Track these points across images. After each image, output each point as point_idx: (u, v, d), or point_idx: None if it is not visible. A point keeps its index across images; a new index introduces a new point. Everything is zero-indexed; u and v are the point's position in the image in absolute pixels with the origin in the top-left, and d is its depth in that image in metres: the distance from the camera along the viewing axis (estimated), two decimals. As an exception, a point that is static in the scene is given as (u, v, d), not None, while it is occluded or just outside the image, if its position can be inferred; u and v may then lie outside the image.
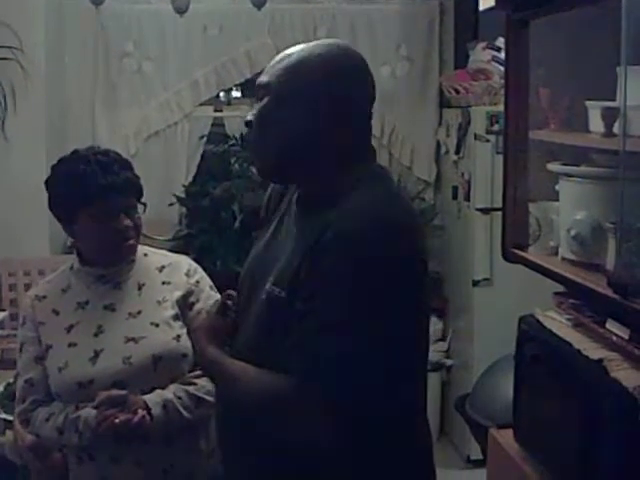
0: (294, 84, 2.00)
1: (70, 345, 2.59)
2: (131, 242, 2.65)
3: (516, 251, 3.21)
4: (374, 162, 2.10)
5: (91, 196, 2.54)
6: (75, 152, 2.66)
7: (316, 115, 1.96)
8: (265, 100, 2.05)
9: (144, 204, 2.68)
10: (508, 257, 3.28)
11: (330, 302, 1.82)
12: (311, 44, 2.12)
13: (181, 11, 5.18)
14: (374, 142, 6.22)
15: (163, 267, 2.77)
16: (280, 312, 1.93)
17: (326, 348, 1.80)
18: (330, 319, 1.81)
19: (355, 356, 1.79)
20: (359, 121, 2.05)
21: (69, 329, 2.62)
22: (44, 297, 2.71)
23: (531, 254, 3.16)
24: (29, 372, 2.65)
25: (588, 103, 2.86)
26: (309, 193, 2.07)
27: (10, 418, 3.39)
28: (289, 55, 2.09)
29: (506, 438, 3.06)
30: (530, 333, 2.93)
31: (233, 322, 2.16)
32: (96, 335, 2.57)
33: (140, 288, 2.69)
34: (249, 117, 2.10)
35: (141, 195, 2.68)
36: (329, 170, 2.00)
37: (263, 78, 2.07)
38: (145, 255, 2.78)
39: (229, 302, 2.20)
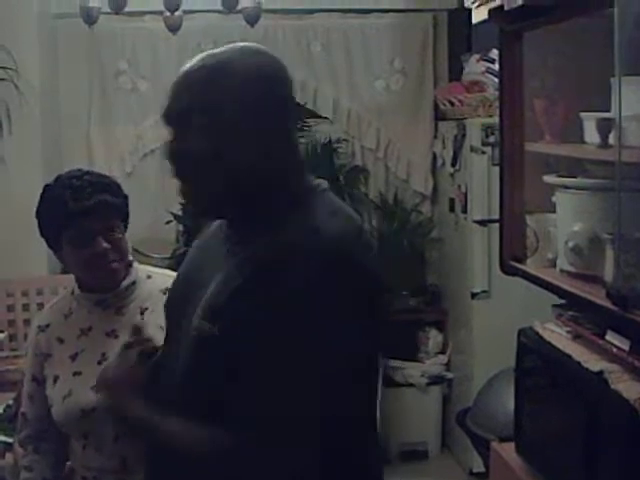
0: (211, 109, 1.76)
1: (75, 374, 2.56)
2: (114, 265, 2.55)
3: (514, 263, 3.22)
4: (306, 175, 1.88)
5: (63, 222, 2.49)
6: (57, 177, 2.60)
7: (246, 139, 1.76)
8: (178, 133, 1.80)
9: (125, 225, 2.60)
10: (506, 269, 3.28)
11: (265, 351, 1.67)
12: (214, 56, 1.81)
13: (174, 29, 5.17)
14: (370, 155, 6.24)
15: (167, 289, 2.72)
16: (212, 352, 1.75)
17: (265, 407, 1.67)
18: (266, 373, 1.67)
19: (297, 416, 1.66)
20: (287, 133, 1.83)
21: (74, 357, 2.59)
22: (47, 326, 2.67)
23: (529, 266, 3.16)
24: (25, 406, 2.67)
25: (583, 114, 2.86)
26: (243, 217, 1.85)
27: (10, 441, 3.38)
28: (190, 75, 1.80)
29: (508, 451, 3.06)
30: (530, 346, 2.93)
31: (153, 366, 1.95)
32: (99, 363, 2.52)
33: (142, 312, 2.61)
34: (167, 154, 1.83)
35: (124, 216, 2.61)
36: (265, 192, 1.80)
37: (173, 106, 1.80)
38: (148, 277, 2.69)
39: (147, 345, 1.97)
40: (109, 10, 5.05)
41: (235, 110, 1.74)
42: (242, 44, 1.83)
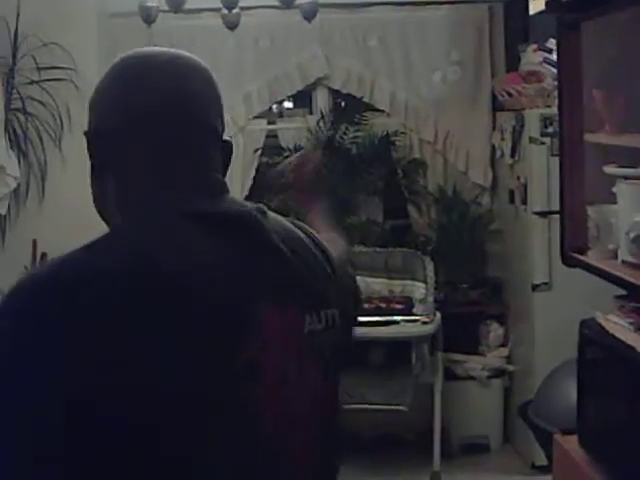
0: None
1: None
2: None
3: (575, 255, 3.20)
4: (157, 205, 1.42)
5: None
6: None
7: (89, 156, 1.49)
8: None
9: None
10: (568, 261, 3.26)
11: None
12: None
13: (232, 26, 5.21)
14: (428, 148, 6.24)
15: None
16: None
17: None
18: None
19: None
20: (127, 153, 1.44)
21: None
22: None
23: (590, 258, 3.14)
24: None
25: (644, 104, 2.84)
26: None
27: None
28: None
29: (571, 443, 3.04)
30: (592, 337, 2.91)
31: None
32: None
33: None
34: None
35: None
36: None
37: None
38: None
39: None
40: (167, 8, 5.10)
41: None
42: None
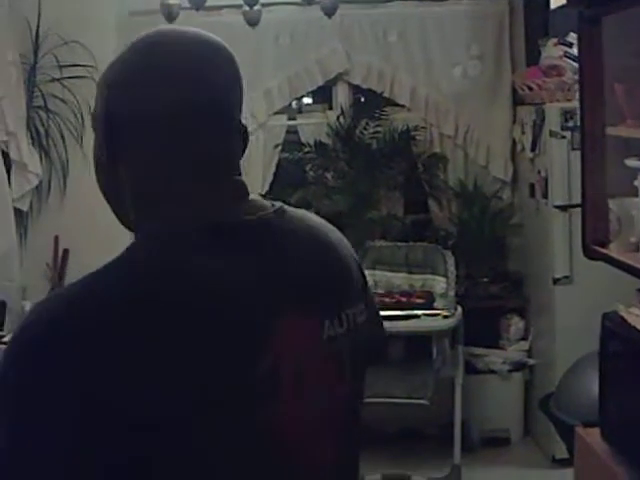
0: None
1: None
2: None
3: (597, 248, 3.20)
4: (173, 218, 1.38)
5: None
6: None
7: (103, 140, 1.41)
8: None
9: None
10: (589, 254, 3.26)
11: None
12: None
13: (253, 23, 5.23)
14: (448, 142, 6.26)
15: None
16: None
17: None
18: None
19: None
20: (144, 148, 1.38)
21: None
22: None
23: (612, 250, 3.15)
24: None
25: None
26: None
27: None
28: None
29: (593, 436, 3.04)
30: (614, 330, 2.91)
31: None
32: None
33: None
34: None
35: None
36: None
37: None
38: None
39: None
40: (189, 5, 5.13)
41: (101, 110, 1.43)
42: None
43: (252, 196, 1.46)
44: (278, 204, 1.45)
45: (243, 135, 1.47)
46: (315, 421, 1.38)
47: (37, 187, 5.47)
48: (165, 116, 1.35)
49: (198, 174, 1.38)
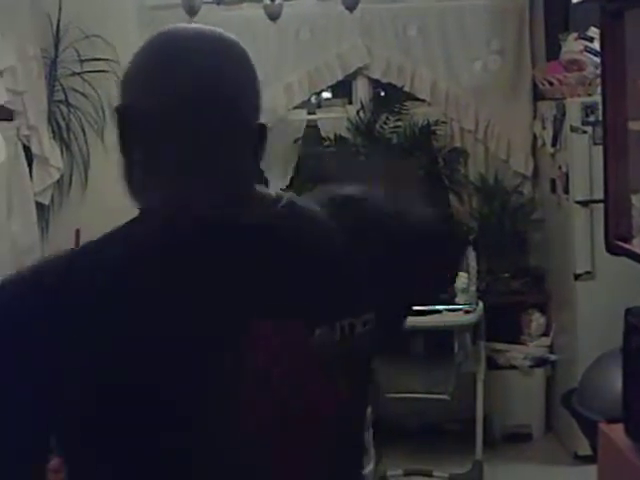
0: None
1: None
2: None
3: (620, 243, 3.19)
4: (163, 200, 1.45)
5: None
6: None
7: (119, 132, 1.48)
8: None
9: None
10: (612, 250, 3.25)
11: None
12: None
13: (274, 17, 5.23)
14: (469, 137, 6.24)
15: None
16: None
17: None
18: None
19: None
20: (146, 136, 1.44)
21: None
22: None
23: (635, 246, 3.13)
24: None
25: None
26: None
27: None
28: None
29: (617, 432, 3.03)
30: (638, 325, 2.90)
31: None
32: None
33: None
34: None
35: None
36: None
37: None
38: None
39: None
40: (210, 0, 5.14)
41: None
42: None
43: (262, 191, 1.47)
44: (287, 199, 1.46)
45: (259, 133, 1.47)
46: (283, 422, 1.38)
47: (58, 181, 5.49)
48: (171, 110, 1.39)
49: (198, 170, 1.41)
